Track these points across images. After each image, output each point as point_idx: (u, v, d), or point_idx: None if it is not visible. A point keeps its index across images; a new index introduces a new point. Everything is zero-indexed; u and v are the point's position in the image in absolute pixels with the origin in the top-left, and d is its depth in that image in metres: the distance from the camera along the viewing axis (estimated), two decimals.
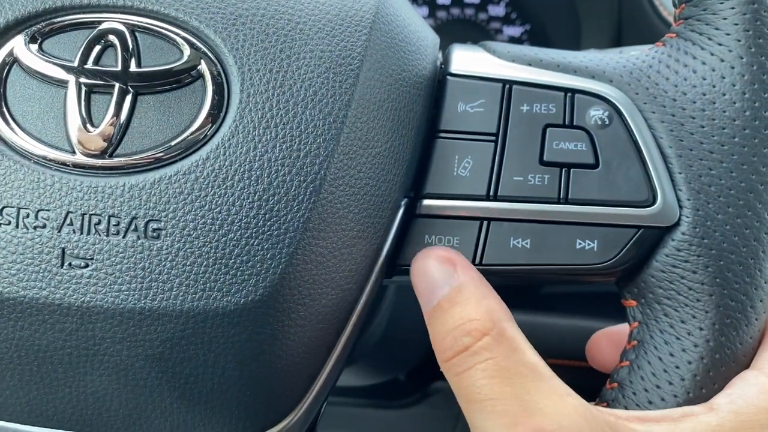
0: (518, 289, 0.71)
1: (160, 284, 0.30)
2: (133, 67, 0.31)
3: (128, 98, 0.31)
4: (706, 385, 0.32)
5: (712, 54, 0.33)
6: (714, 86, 0.33)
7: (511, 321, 0.31)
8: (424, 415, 0.67)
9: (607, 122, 0.33)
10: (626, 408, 0.32)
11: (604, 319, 0.68)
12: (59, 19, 0.32)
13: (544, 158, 0.33)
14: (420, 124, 0.34)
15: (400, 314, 0.57)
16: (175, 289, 0.30)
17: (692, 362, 0.32)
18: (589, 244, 0.33)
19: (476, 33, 0.76)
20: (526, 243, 0.33)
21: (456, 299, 0.31)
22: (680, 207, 0.32)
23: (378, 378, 0.67)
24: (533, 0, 0.78)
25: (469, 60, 0.35)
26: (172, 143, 0.31)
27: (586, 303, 0.72)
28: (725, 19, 0.33)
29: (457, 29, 0.74)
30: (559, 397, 0.30)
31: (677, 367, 0.32)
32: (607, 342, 0.43)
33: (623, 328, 0.42)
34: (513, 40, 0.78)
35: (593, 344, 0.44)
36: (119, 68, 0.31)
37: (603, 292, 0.73)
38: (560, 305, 0.71)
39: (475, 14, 0.78)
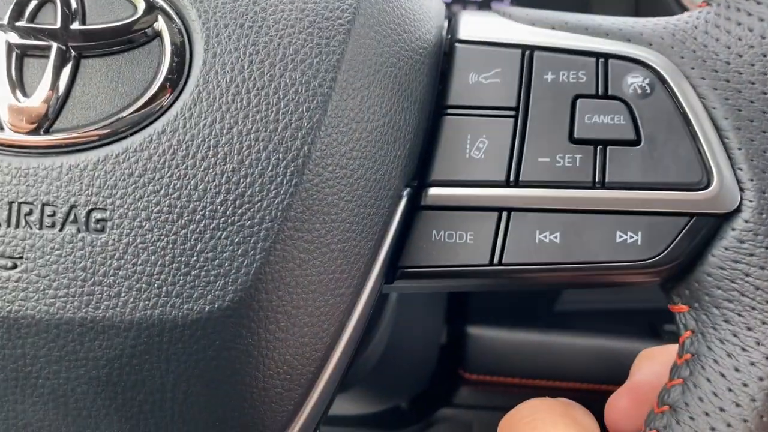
0: (531, 305, 0.67)
1: (106, 288, 0.25)
2: (75, 25, 0.27)
3: (69, 62, 0.26)
4: None
5: None
6: None
7: None
8: None
9: (648, 91, 0.30)
10: None
11: (626, 339, 0.64)
12: None
13: (575, 135, 0.30)
14: (425, 98, 0.30)
15: (402, 330, 0.52)
16: (123, 295, 0.25)
17: (764, 378, 0.27)
18: (631, 237, 0.29)
19: None
20: (555, 237, 0.29)
21: None
22: (741, 189, 0.29)
23: (377, 405, 0.63)
24: None
25: (480, 25, 0.32)
26: (122, 115, 0.26)
27: (604, 321, 0.68)
28: None
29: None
30: None
31: (745, 385, 0.27)
32: (629, 402, 0.36)
33: (641, 382, 0.36)
34: None
35: (612, 410, 0.37)
36: (58, 26, 0.27)
37: (622, 309, 0.70)
38: (576, 323, 0.67)
39: (479, 8, 0.74)
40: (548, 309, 0.69)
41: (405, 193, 0.30)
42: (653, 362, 0.37)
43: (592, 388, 0.66)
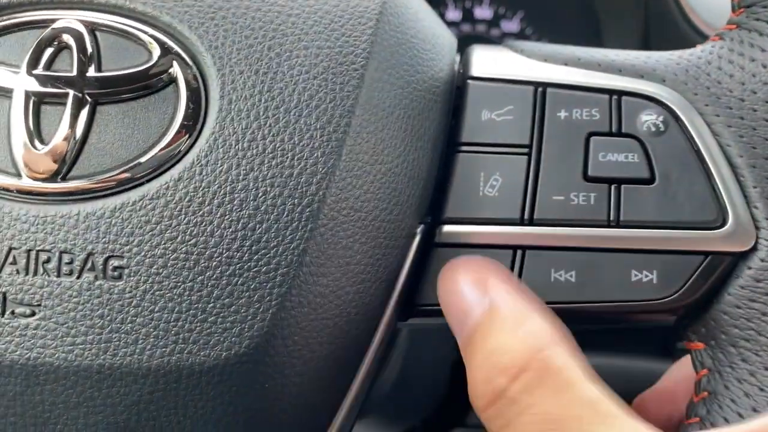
0: None
1: (123, 336, 0.25)
2: (91, 72, 0.27)
3: (85, 109, 0.27)
4: None
5: None
6: None
7: (563, 343, 0.25)
8: None
9: (662, 128, 0.30)
10: None
11: (635, 357, 0.64)
12: (5, 18, 0.27)
13: (589, 173, 0.29)
14: (437, 136, 0.30)
15: (415, 354, 0.52)
16: (141, 342, 0.25)
17: None
18: (647, 276, 0.29)
19: None
20: (571, 276, 0.29)
21: (488, 327, 0.26)
22: (757, 228, 0.28)
23: (391, 428, 0.62)
24: (550, 14, 0.73)
25: (493, 61, 0.31)
26: (138, 162, 0.26)
27: (616, 339, 0.67)
28: None
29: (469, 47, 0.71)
30: None
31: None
32: (657, 405, 0.37)
33: (669, 387, 0.37)
34: None
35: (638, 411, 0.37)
36: (74, 73, 0.27)
37: (634, 327, 0.69)
38: (587, 341, 0.66)
39: (487, 30, 0.74)
40: None
41: (419, 230, 0.29)
42: (682, 369, 0.37)
43: None
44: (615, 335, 0.67)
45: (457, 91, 0.32)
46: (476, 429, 0.66)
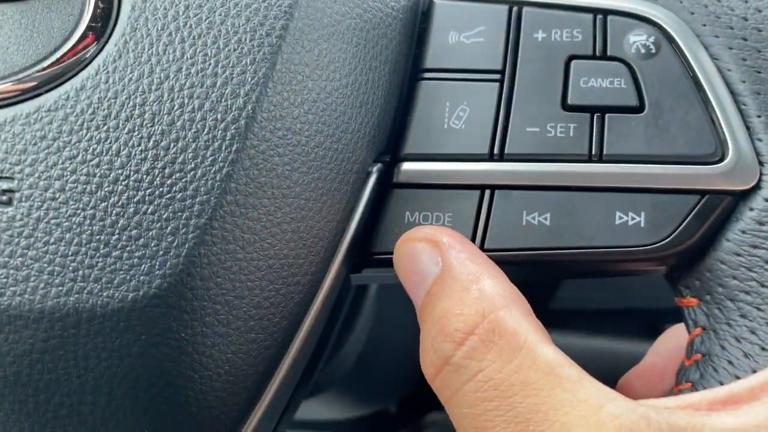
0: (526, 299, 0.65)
1: (12, 272, 0.22)
2: None
3: None
4: None
5: None
6: None
7: (515, 304, 0.24)
8: None
9: (653, 50, 0.28)
10: None
11: (625, 339, 0.62)
12: None
13: (569, 101, 0.28)
14: (397, 58, 0.28)
15: (385, 327, 0.50)
16: (33, 279, 0.22)
17: None
18: (633, 218, 0.27)
19: None
20: (545, 219, 0.27)
21: (438, 291, 0.24)
22: (761, 163, 0.27)
23: (363, 409, 0.61)
24: None
25: None
26: (35, 69, 0.23)
27: (603, 320, 0.66)
28: None
29: None
30: (591, 409, 0.22)
31: None
32: (644, 383, 0.36)
33: (656, 363, 0.36)
34: None
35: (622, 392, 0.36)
36: None
37: (623, 309, 0.68)
38: (573, 322, 0.65)
39: None
40: (544, 307, 0.66)
41: (375, 168, 0.27)
42: (668, 341, 0.36)
43: None
44: (599, 317, 0.66)
45: (422, 16, 0.29)
46: None
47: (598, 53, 0.28)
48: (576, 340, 0.63)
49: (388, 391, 0.61)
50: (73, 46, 0.23)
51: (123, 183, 0.22)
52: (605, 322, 0.65)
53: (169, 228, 0.22)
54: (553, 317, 0.68)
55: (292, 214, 0.24)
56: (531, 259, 0.27)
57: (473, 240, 0.27)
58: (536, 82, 0.28)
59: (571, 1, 0.29)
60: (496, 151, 0.28)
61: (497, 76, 0.28)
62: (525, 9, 0.29)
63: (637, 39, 0.28)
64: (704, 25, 0.28)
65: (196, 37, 0.23)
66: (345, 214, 0.26)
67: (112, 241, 0.22)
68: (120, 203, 0.22)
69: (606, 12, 0.28)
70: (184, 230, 0.22)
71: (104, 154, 0.22)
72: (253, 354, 0.24)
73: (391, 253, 0.27)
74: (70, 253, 0.22)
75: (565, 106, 0.28)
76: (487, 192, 0.27)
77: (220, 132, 0.22)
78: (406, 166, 0.28)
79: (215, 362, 0.23)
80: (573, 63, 0.28)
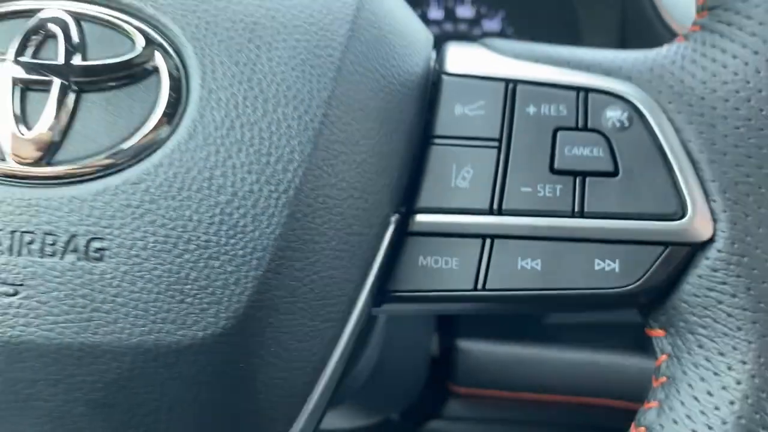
0: (520, 318, 0.67)
1: (103, 315, 0.26)
2: (76, 61, 0.27)
3: (70, 96, 0.27)
4: (752, 429, 0.27)
5: (743, 46, 0.30)
6: (748, 82, 0.30)
7: None
8: None
9: (626, 124, 0.30)
10: None
11: (614, 353, 0.65)
12: None
13: (555, 166, 0.30)
14: (412, 129, 0.31)
15: (392, 345, 0.53)
16: (120, 321, 0.26)
17: (735, 402, 0.28)
18: (609, 265, 0.29)
19: None
20: (536, 264, 0.30)
21: None
22: (714, 220, 0.29)
23: (368, 419, 0.62)
24: (530, 14, 0.75)
25: (467, 57, 0.32)
26: (121, 148, 0.27)
27: (593, 334, 0.68)
28: (758, 6, 0.30)
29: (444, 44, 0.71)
30: None
31: (717, 409, 0.28)
32: None
33: None
34: None
35: None
36: (61, 61, 0.27)
37: (613, 323, 0.70)
38: (566, 336, 0.67)
39: (468, 29, 0.75)
40: (537, 322, 0.69)
41: (393, 219, 0.30)
42: None
43: (582, 402, 0.67)
44: (590, 331, 0.68)
45: (432, 86, 0.32)
46: (454, 421, 0.67)
47: (580, 126, 0.30)
48: (567, 353, 0.65)
49: (391, 404, 0.62)
50: (151, 129, 0.26)
51: (194, 242, 0.26)
52: (595, 335, 0.67)
53: (233, 279, 0.26)
54: (545, 331, 0.71)
55: (329, 263, 0.28)
56: (525, 298, 0.30)
57: (476, 281, 0.30)
58: (528, 149, 0.30)
59: (558, 80, 0.31)
60: (495, 206, 0.30)
61: (496, 144, 0.31)
62: (519, 86, 0.31)
63: (613, 114, 0.30)
64: (670, 103, 0.30)
65: (253, 124, 0.26)
66: (369, 259, 0.29)
67: (185, 290, 0.26)
68: (192, 259, 0.26)
69: (587, 90, 0.31)
70: (244, 280, 0.26)
71: (179, 219, 0.26)
72: (296, 379, 0.28)
73: (407, 291, 0.30)
74: (150, 299, 0.25)
75: (553, 170, 0.30)
76: (488, 241, 0.30)
77: (273, 201, 0.26)
78: (420, 217, 0.30)
79: (266, 387, 0.27)
80: (559, 133, 0.30)
